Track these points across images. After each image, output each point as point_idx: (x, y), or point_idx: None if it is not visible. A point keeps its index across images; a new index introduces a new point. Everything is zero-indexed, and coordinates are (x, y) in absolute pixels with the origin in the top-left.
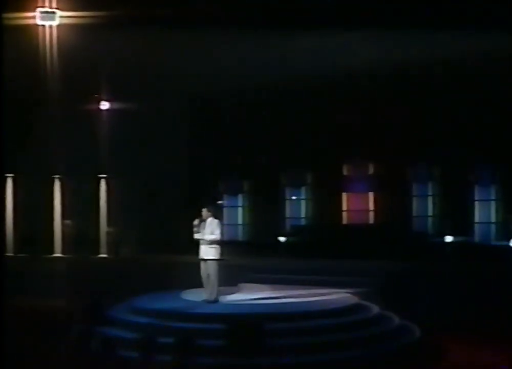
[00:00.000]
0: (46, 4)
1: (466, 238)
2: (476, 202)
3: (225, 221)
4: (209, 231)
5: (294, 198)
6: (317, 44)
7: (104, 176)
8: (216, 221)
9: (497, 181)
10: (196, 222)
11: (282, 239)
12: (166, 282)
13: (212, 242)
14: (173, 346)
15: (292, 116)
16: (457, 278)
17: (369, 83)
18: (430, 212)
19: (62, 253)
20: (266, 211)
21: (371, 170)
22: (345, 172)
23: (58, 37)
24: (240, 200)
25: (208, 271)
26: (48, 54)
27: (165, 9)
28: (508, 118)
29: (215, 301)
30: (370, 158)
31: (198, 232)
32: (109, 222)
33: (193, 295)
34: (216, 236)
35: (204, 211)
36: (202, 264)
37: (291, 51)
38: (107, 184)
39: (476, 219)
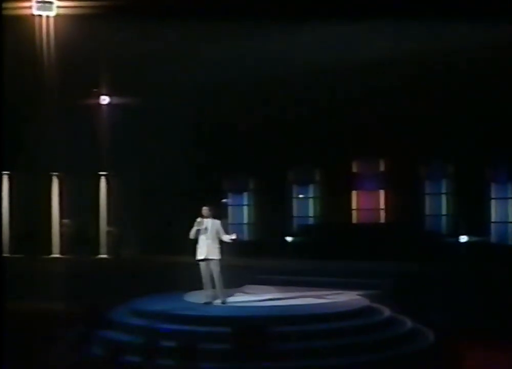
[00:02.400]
0: None
1: (482, 238)
2: (492, 201)
3: (230, 220)
4: (214, 231)
5: (301, 196)
6: (325, 39)
7: (104, 173)
8: (218, 221)
9: None
10: (199, 220)
11: (289, 238)
12: (168, 284)
13: (217, 242)
14: (175, 350)
15: (299, 111)
16: (473, 280)
17: (381, 77)
18: (444, 211)
19: (61, 253)
20: (272, 210)
21: (382, 167)
22: (355, 169)
23: (55, 28)
24: (245, 198)
25: (212, 272)
26: (45, 46)
27: None
28: None
29: (224, 302)
30: (381, 154)
31: (199, 231)
32: (109, 221)
33: (196, 297)
34: (234, 236)
35: (205, 210)
36: (203, 264)
37: (298, 46)
38: (107, 181)
39: (493, 218)
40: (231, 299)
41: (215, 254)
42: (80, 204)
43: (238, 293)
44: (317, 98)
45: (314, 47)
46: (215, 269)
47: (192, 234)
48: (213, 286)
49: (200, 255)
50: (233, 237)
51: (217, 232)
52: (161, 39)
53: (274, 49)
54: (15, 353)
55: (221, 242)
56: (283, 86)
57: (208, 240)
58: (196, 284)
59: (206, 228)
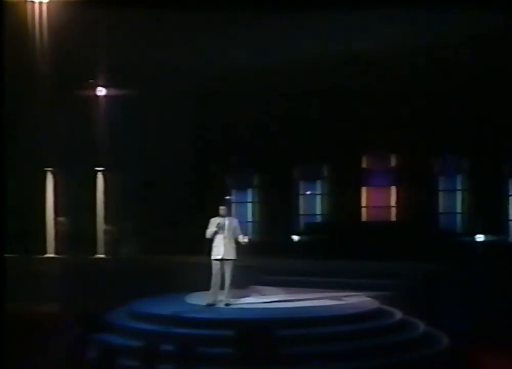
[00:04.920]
0: None
1: (499, 237)
2: (510, 197)
3: None
4: (231, 231)
5: (308, 192)
6: (334, 31)
7: (102, 168)
8: (236, 220)
9: None
10: (217, 219)
11: (295, 237)
12: (169, 285)
13: (233, 242)
14: (176, 354)
15: (307, 103)
16: (489, 281)
17: (392, 70)
18: (459, 209)
19: (56, 253)
20: (278, 207)
21: (393, 162)
22: (364, 164)
23: (49, 15)
24: (250, 195)
25: (225, 273)
26: (38, 34)
27: None
28: None
29: (228, 304)
30: (392, 148)
31: (217, 231)
32: (107, 220)
33: (198, 299)
34: (247, 239)
35: (222, 209)
36: (218, 264)
37: (307, 38)
38: (105, 177)
39: (511, 215)
40: (235, 301)
41: (232, 255)
42: (76, 201)
43: (243, 295)
44: (325, 91)
45: (324, 39)
46: (228, 270)
47: (209, 234)
48: (222, 287)
49: (217, 255)
50: (246, 240)
51: (234, 232)
52: (160, 26)
53: (281, 41)
54: (9, 356)
55: (237, 242)
56: (290, 79)
57: (225, 240)
58: (197, 285)
59: (223, 228)
